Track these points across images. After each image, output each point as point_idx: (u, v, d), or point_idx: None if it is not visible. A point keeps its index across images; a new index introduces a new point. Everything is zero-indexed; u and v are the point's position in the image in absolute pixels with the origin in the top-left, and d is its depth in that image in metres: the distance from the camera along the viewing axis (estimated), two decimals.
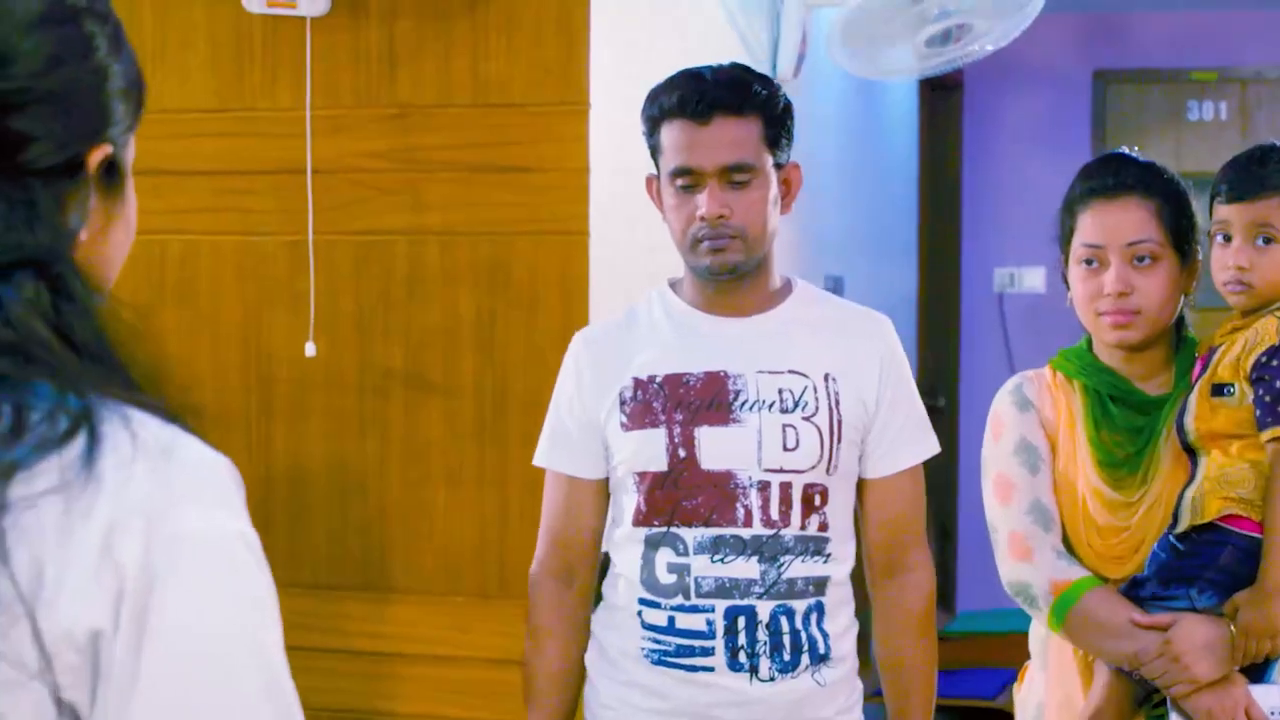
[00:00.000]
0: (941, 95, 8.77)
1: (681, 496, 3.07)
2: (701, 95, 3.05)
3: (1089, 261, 3.12)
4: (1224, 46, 8.69)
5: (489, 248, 4.06)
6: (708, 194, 3.04)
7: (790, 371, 3.10)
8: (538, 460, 3.26)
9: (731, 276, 3.10)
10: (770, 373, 3.09)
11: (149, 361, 1.38)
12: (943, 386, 8.72)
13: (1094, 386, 3.15)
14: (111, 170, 1.41)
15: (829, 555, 3.10)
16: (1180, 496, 3.00)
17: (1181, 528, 2.97)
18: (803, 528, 3.07)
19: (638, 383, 3.12)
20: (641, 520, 3.10)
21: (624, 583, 3.15)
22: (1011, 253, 8.71)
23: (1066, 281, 3.20)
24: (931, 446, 3.24)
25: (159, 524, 1.27)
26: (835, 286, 6.44)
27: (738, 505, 3.05)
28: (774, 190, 3.10)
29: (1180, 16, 8.71)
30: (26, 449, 1.25)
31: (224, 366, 4.25)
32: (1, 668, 1.22)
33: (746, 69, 3.15)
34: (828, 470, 3.09)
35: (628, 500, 3.13)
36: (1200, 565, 2.96)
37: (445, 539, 4.12)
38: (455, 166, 4.08)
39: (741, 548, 3.04)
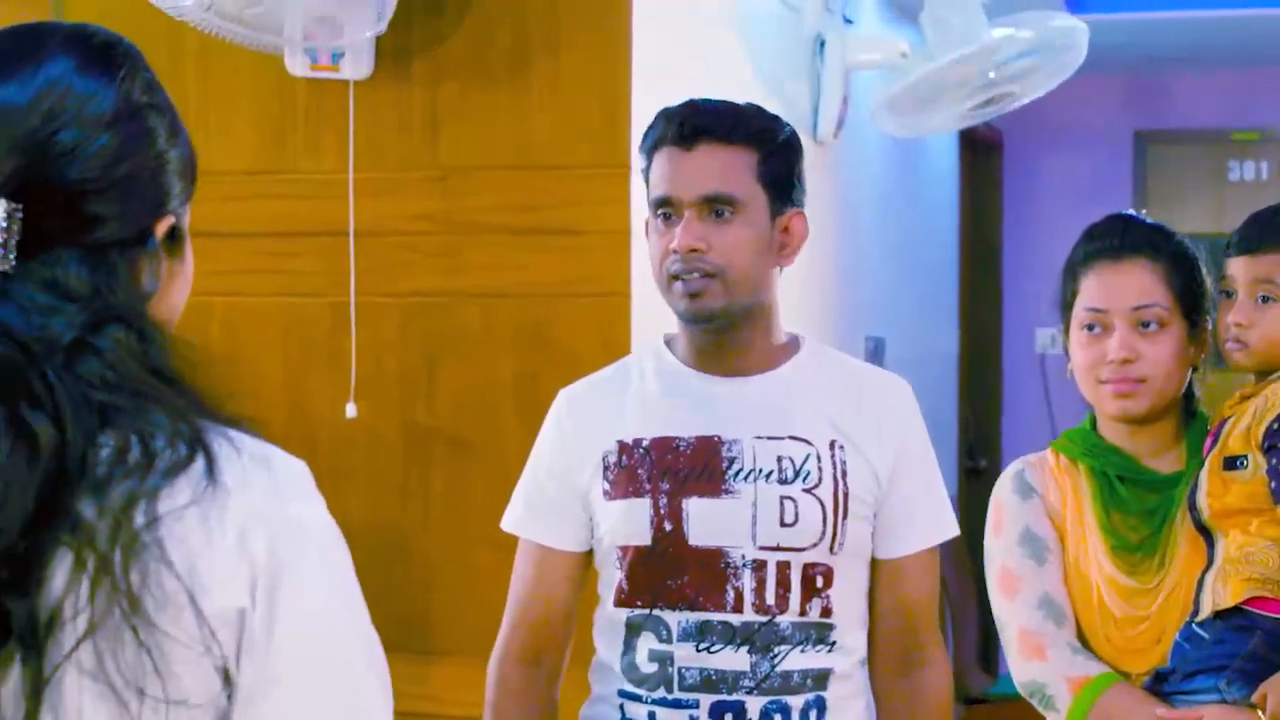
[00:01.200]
0: (982, 155, 8.77)
1: (666, 575, 2.75)
2: (686, 120, 2.79)
3: (1091, 327, 2.95)
4: (1266, 107, 8.68)
5: (531, 310, 4.07)
6: (683, 224, 2.74)
7: (791, 438, 2.78)
8: (507, 525, 2.99)
9: (712, 325, 2.78)
10: (769, 438, 2.77)
11: (212, 388, 1.67)
12: (984, 448, 8.69)
13: (1100, 468, 2.96)
14: (173, 234, 1.66)
15: (834, 644, 2.77)
16: (1200, 581, 2.81)
17: (1204, 615, 2.78)
18: (802, 613, 2.74)
19: (622, 446, 2.81)
20: (623, 600, 2.80)
21: (605, 671, 2.85)
22: (1053, 313, 8.68)
23: (1068, 350, 3.03)
24: (949, 528, 2.92)
25: (277, 519, 1.58)
26: (876, 348, 6.43)
27: (727, 587, 2.72)
28: (765, 232, 2.77)
29: (1221, 77, 8.71)
30: (160, 473, 1.52)
31: (266, 427, 4.24)
32: (179, 647, 1.50)
33: (755, 107, 2.88)
34: (832, 548, 2.76)
35: (609, 577, 2.83)
36: (1228, 654, 2.75)
37: (487, 601, 4.11)
38: (497, 229, 4.09)
39: (730, 636, 2.72)
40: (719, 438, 2.77)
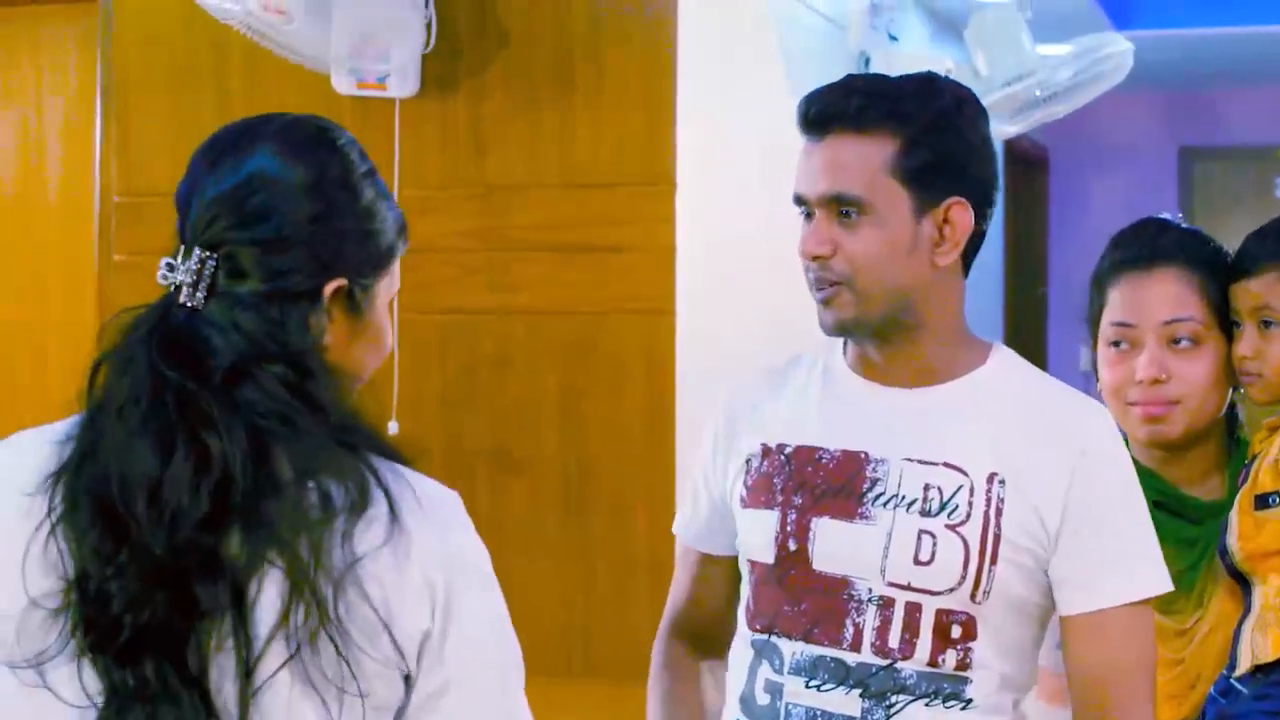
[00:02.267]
0: (1028, 172, 8.76)
1: (785, 599, 2.44)
2: (814, 104, 2.43)
3: (1118, 343, 2.68)
4: None
5: (575, 327, 4.07)
6: (812, 226, 2.41)
7: (946, 465, 2.39)
8: (674, 525, 2.73)
9: (853, 337, 2.47)
10: (920, 462, 2.40)
11: (376, 425, 1.94)
12: None
13: (1152, 498, 2.53)
14: (351, 298, 1.91)
15: (969, 703, 2.37)
16: (1237, 632, 2.54)
17: (1243, 669, 2.51)
18: (932, 664, 2.36)
19: (765, 450, 2.50)
20: (750, 620, 2.50)
21: (729, 697, 2.55)
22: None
23: (1096, 369, 2.77)
24: (1149, 584, 2.39)
25: (448, 555, 1.85)
26: None
27: (846, 622, 2.38)
28: (905, 232, 2.39)
29: (1267, 93, 8.68)
30: (344, 517, 1.78)
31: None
32: (377, 666, 1.78)
33: (918, 80, 2.47)
34: (974, 595, 2.35)
35: (743, 593, 2.54)
36: (1269, 711, 2.47)
37: (529, 617, 4.10)
38: (541, 246, 4.10)
39: (843, 675, 2.38)
40: (866, 455, 2.43)
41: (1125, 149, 8.80)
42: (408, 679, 1.83)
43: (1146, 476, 2.57)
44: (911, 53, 5.73)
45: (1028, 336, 8.77)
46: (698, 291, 4.07)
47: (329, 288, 1.90)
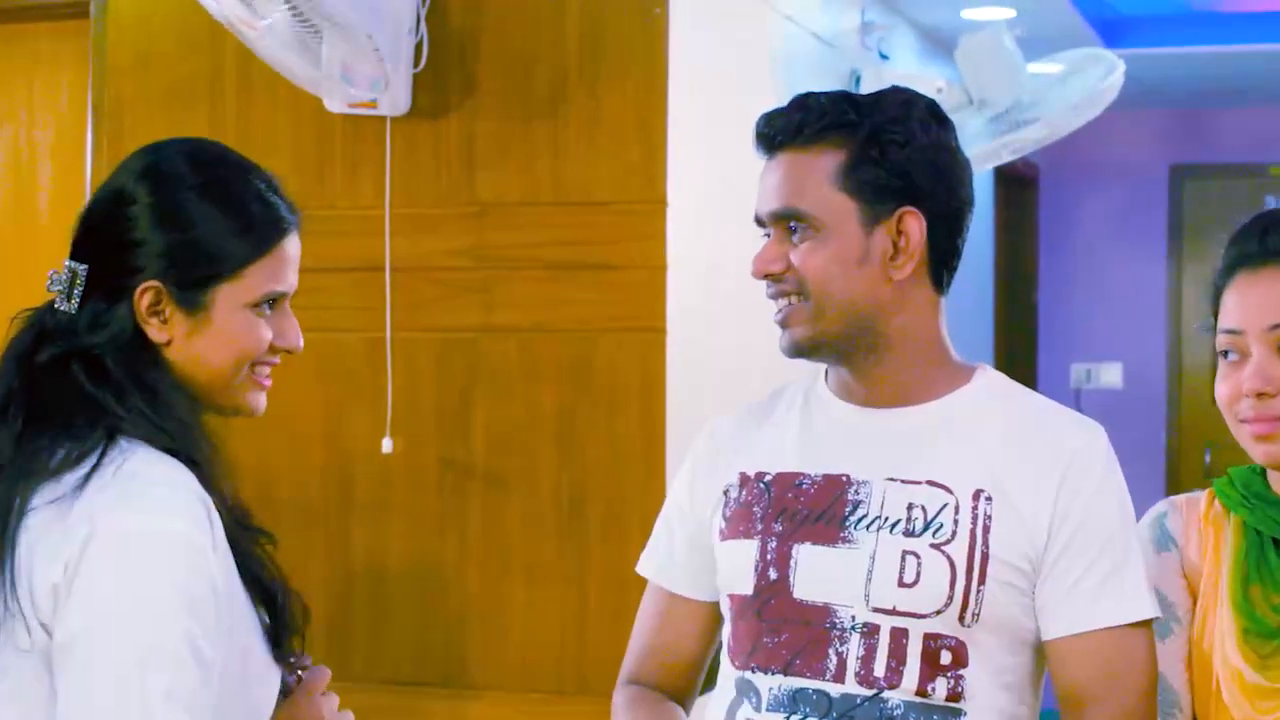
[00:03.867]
0: (1018, 190, 8.77)
1: (764, 631, 2.32)
2: (767, 121, 2.40)
3: (1226, 353, 2.33)
4: None
5: (568, 345, 4.07)
6: (764, 245, 2.37)
7: (929, 483, 2.29)
8: (639, 566, 2.60)
9: (813, 358, 2.38)
10: (903, 482, 2.30)
11: (188, 418, 2.11)
12: None
13: (1255, 523, 2.33)
14: (179, 299, 2.11)
15: None
16: None
17: None
18: (921, 693, 2.24)
19: (744, 479, 2.41)
20: (731, 658, 2.38)
21: None
22: (1088, 349, 8.68)
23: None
24: (1133, 609, 2.28)
25: (101, 524, 1.97)
26: None
27: (829, 651, 2.27)
28: (855, 245, 2.31)
29: (1258, 112, 8.70)
30: (50, 472, 2.01)
31: (303, 463, 4.27)
32: (26, 604, 1.97)
33: (880, 91, 2.41)
34: (962, 618, 2.24)
35: (725, 629, 2.43)
36: None
37: (524, 636, 4.12)
38: (534, 264, 4.10)
39: (825, 708, 2.25)
40: (848, 477, 2.33)
41: (1115, 167, 8.81)
42: (47, 631, 1.98)
43: (1274, 508, 2.33)
44: (903, 71, 5.75)
45: (1017, 354, 8.77)
46: (690, 310, 4.07)
47: (139, 290, 2.11)
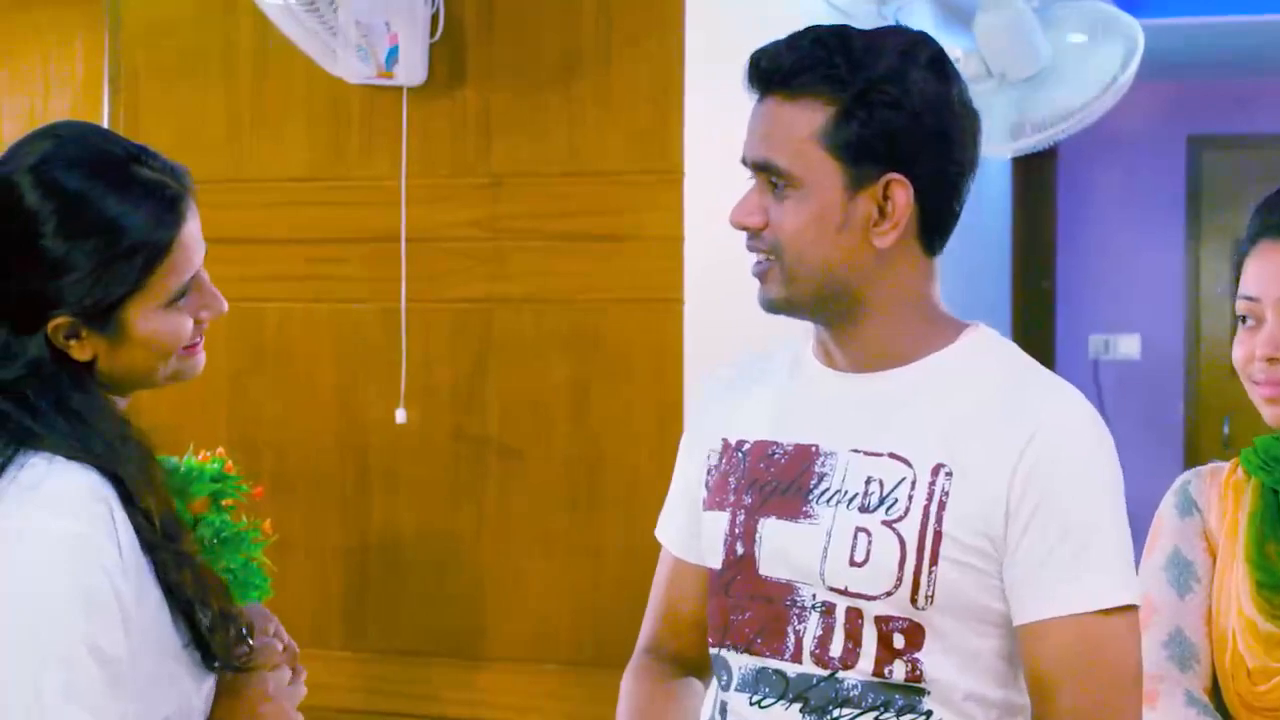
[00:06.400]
0: (1035, 162, 8.74)
1: (731, 608, 2.24)
2: (758, 58, 2.20)
3: (1244, 319, 2.40)
4: None
5: (583, 315, 4.07)
6: (744, 194, 2.22)
7: (891, 455, 2.15)
8: (656, 529, 2.51)
9: (788, 315, 2.25)
10: (866, 454, 2.16)
11: (114, 437, 2.08)
12: None
13: (1272, 485, 2.39)
14: (101, 324, 2.08)
15: (929, 715, 2.12)
16: None
17: None
18: (878, 674, 2.12)
19: (725, 447, 2.31)
20: (709, 633, 2.31)
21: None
22: (1106, 319, 8.66)
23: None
24: (1102, 596, 2.09)
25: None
26: None
27: (788, 630, 2.17)
28: (835, 208, 2.15)
29: (1275, 82, 8.66)
30: None
31: (318, 433, 4.27)
32: None
33: (876, 33, 2.22)
34: (914, 600, 2.10)
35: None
36: None
37: (538, 606, 4.12)
38: (549, 235, 4.09)
39: (783, 688, 2.17)
40: (817, 448, 2.20)
41: (1133, 139, 8.77)
42: None
43: None
44: None
45: (1038, 323, 8.76)
46: (706, 280, 4.07)
47: (52, 325, 2.08)
